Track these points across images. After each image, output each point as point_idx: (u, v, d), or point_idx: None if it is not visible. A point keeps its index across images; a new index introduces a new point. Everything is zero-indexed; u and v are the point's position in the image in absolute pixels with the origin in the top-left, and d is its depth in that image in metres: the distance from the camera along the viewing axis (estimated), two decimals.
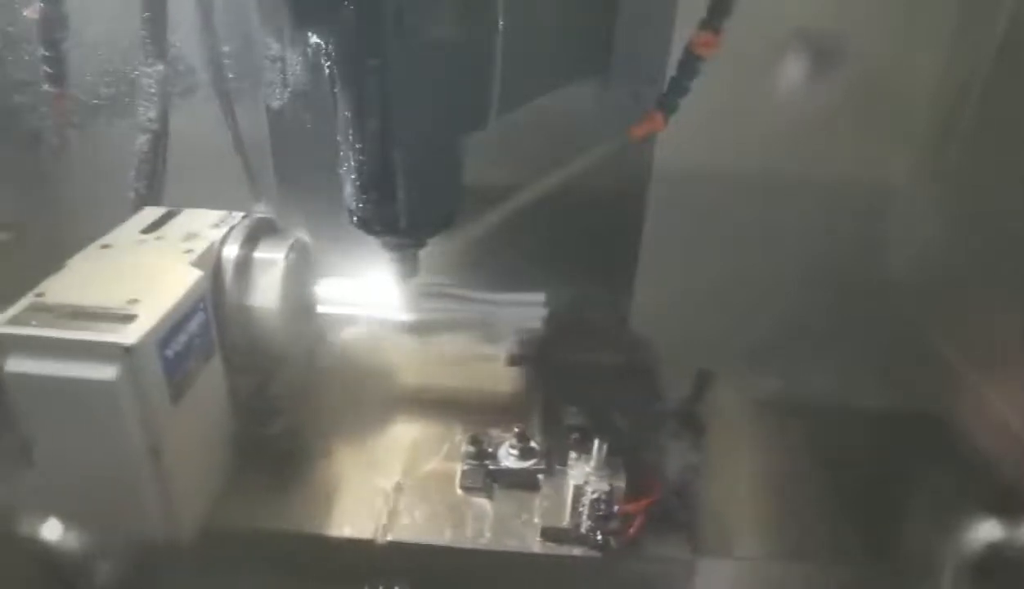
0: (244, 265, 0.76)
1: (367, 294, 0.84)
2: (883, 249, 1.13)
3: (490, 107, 0.69)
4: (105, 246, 0.75)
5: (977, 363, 0.97)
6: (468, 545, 0.73)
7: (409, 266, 0.77)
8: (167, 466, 0.65)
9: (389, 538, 0.73)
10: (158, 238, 0.76)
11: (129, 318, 0.63)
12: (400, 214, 0.69)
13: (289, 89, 0.92)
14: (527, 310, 0.83)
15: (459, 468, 0.80)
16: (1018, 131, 0.93)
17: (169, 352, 0.65)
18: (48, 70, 0.89)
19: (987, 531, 0.76)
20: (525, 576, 0.73)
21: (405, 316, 0.84)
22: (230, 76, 0.98)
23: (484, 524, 0.75)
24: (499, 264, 0.91)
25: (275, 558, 0.74)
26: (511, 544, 0.73)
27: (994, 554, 0.75)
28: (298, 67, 0.91)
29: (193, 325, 0.68)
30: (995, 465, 0.90)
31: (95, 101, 0.99)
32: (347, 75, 0.64)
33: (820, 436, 0.95)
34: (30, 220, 1.05)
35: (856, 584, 0.78)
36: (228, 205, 0.83)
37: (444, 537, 0.73)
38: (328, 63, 0.65)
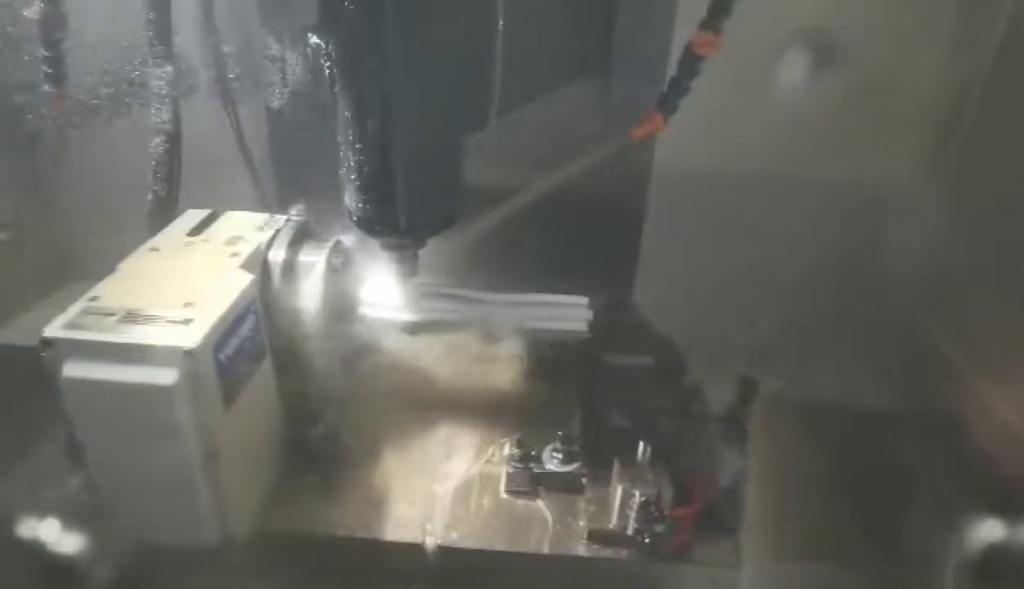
0: (290, 268, 0.76)
1: (407, 299, 0.84)
2: (883, 249, 1.12)
3: (490, 107, 0.69)
4: (154, 249, 0.75)
5: (978, 362, 0.97)
6: (516, 548, 0.73)
7: (409, 266, 0.77)
8: (221, 469, 0.65)
9: (438, 542, 0.73)
10: (204, 241, 0.76)
11: (185, 321, 0.62)
12: (400, 214, 0.69)
13: (289, 89, 0.92)
14: (571, 312, 0.83)
15: (504, 471, 0.79)
16: (1018, 131, 0.93)
17: (223, 355, 0.64)
18: (48, 70, 0.89)
19: (987, 531, 0.76)
20: (572, 579, 0.73)
21: (445, 320, 0.83)
22: (231, 76, 0.98)
23: (531, 527, 0.75)
24: (499, 264, 0.91)
25: (323, 562, 0.74)
26: (558, 547, 0.72)
27: (994, 554, 0.75)
28: (298, 67, 0.91)
29: (245, 328, 0.68)
30: (995, 464, 0.90)
31: (95, 101, 0.99)
32: (347, 75, 0.64)
33: (820, 435, 0.95)
34: (30, 220, 1.05)
35: (849, 583, 0.79)
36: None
37: (492, 541, 0.73)
38: (328, 63, 0.65)
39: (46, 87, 0.91)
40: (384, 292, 0.84)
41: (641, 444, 0.72)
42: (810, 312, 1.07)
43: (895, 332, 1.08)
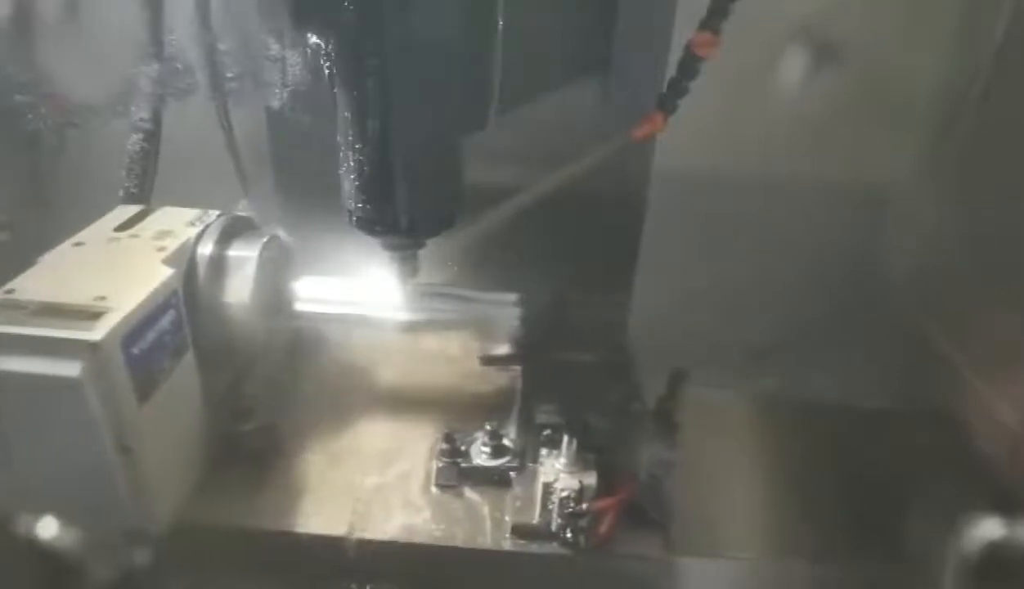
0: (218, 262, 0.77)
1: (347, 292, 0.84)
2: (883, 248, 1.13)
3: (490, 107, 0.69)
4: (78, 244, 0.75)
5: (978, 362, 0.97)
6: (439, 543, 0.73)
7: (409, 266, 0.77)
8: (138, 463, 0.65)
9: (361, 535, 0.73)
10: (132, 236, 0.76)
11: (96, 315, 0.63)
12: (400, 214, 0.69)
13: (288, 89, 0.92)
14: (499, 310, 0.83)
15: (434, 466, 0.80)
16: (1018, 131, 0.93)
17: (136, 349, 0.64)
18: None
19: (987, 530, 0.76)
20: (496, 573, 0.74)
21: (385, 314, 0.83)
22: (228, 75, 0.98)
23: (456, 521, 0.75)
24: (499, 264, 0.91)
25: (247, 555, 0.74)
26: (482, 541, 0.73)
27: (994, 553, 0.75)
28: (298, 67, 0.90)
29: (164, 322, 0.68)
30: (995, 464, 0.90)
31: (93, 101, 0.99)
32: (347, 75, 0.64)
33: (819, 434, 0.95)
34: (30, 220, 1.04)
35: (848, 583, 0.79)
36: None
37: (415, 535, 0.74)
38: (327, 63, 0.65)
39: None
40: (324, 287, 0.84)
41: (565, 438, 0.73)
42: (809, 312, 1.08)
43: (894, 331, 1.08)
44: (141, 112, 0.87)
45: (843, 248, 1.08)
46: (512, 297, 0.83)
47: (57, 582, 0.70)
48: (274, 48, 0.91)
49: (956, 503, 0.80)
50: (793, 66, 1.00)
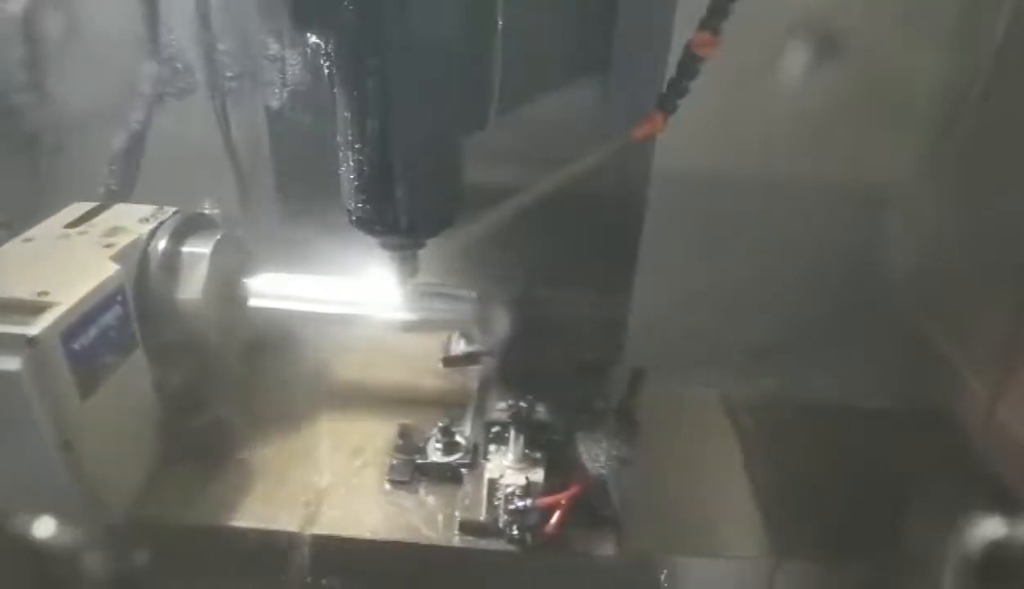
0: (171, 259, 0.77)
1: (306, 289, 0.84)
2: (883, 249, 1.12)
3: (490, 107, 0.69)
4: (27, 240, 0.76)
5: (977, 362, 0.97)
6: (389, 538, 0.74)
7: (409, 266, 0.77)
8: (81, 458, 0.66)
9: (312, 531, 0.74)
10: (81, 233, 0.77)
11: (37, 310, 0.63)
12: (399, 214, 0.69)
13: (288, 89, 0.92)
14: (456, 306, 0.82)
15: (388, 462, 0.81)
16: (1018, 131, 0.93)
17: (77, 344, 0.65)
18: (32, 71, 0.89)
19: (987, 530, 0.76)
20: (446, 570, 0.74)
21: (348, 310, 0.83)
22: (228, 75, 0.98)
23: (407, 517, 0.76)
24: (499, 264, 0.91)
25: (198, 552, 0.74)
26: (431, 537, 0.74)
27: (994, 553, 0.75)
28: (298, 67, 0.90)
29: (108, 318, 0.69)
30: (994, 464, 0.90)
31: (92, 100, 0.99)
32: (346, 75, 0.64)
33: (818, 434, 0.95)
34: (29, 219, 1.04)
35: (848, 584, 0.79)
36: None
37: (367, 530, 0.74)
38: (327, 63, 0.65)
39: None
40: (283, 284, 0.84)
41: (512, 434, 0.73)
42: (809, 312, 1.07)
43: (894, 331, 1.08)
44: (135, 112, 0.87)
45: (843, 248, 1.08)
46: (471, 294, 0.83)
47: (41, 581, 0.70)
48: (274, 48, 0.91)
49: (955, 503, 0.80)
50: (793, 66, 1.00)
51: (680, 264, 1.06)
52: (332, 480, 0.80)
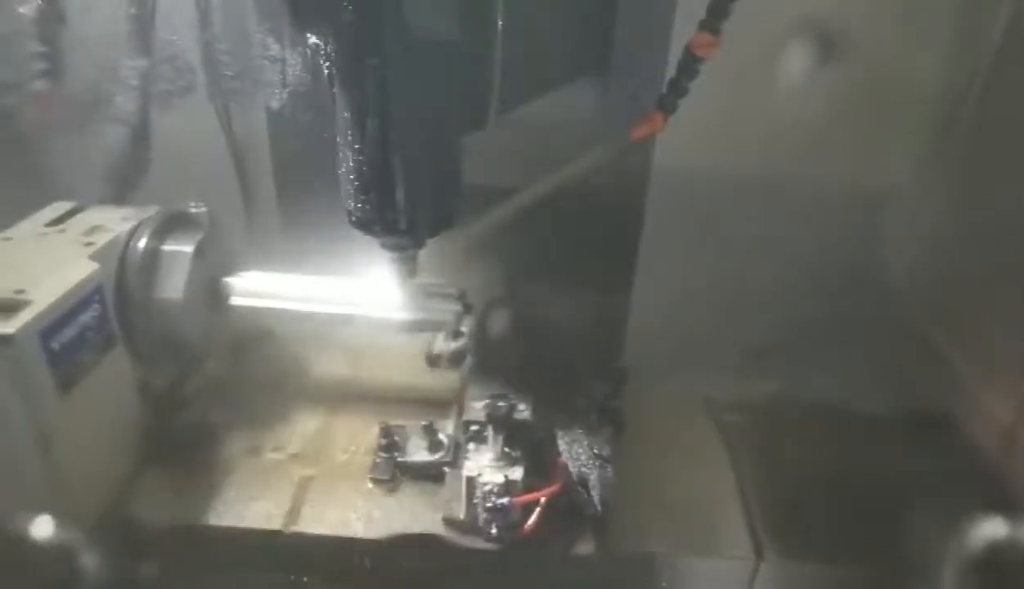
0: (151, 258, 0.77)
1: (288, 287, 0.84)
2: (883, 249, 1.12)
3: (490, 108, 0.69)
4: (6, 239, 0.76)
5: (978, 363, 0.97)
6: (370, 536, 0.74)
7: (408, 267, 0.77)
8: (58, 456, 0.66)
9: (295, 530, 0.74)
10: (60, 231, 0.77)
11: (13, 308, 0.63)
12: (399, 215, 0.68)
13: (288, 89, 0.92)
14: (442, 306, 0.83)
15: (370, 460, 0.81)
16: (1018, 131, 0.93)
17: (55, 343, 0.65)
18: (43, 66, 0.88)
19: (987, 532, 0.76)
20: (427, 568, 0.74)
21: (332, 310, 0.83)
22: (228, 75, 0.97)
23: (388, 516, 0.76)
24: (499, 264, 0.91)
25: (179, 549, 0.74)
26: (412, 536, 0.74)
27: (994, 556, 0.75)
28: (298, 67, 0.90)
29: (86, 317, 0.69)
30: (995, 466, 0.90)
31: (92, 98, 0.99)
32: (346, 75, 0.64)
33: (818, 435, 0.95)
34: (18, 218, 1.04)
35: (849, 585, 0.79)
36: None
37: (347, 528, 0.74)
38: (327, 63, 0.64)
39: (39, 84, 0.90)
40: (268, 282, 0.84)
41: (491, 433, 0.73)
42: (809, 312, 1.07)
43: (894, 332, 1.08)
44: (125, 106, 0.86)
45: (843, 249, 1.08)
46: (454, 291, 0.83)
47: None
48: (274, 48, 0.91)
49: (956, 505, 0.80)
50: (793, 66, 1.00)
51: (680, 264, 1.06)
52: (314, 478, 0.80)
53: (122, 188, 0.90)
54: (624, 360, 0.98)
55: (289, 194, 0.99)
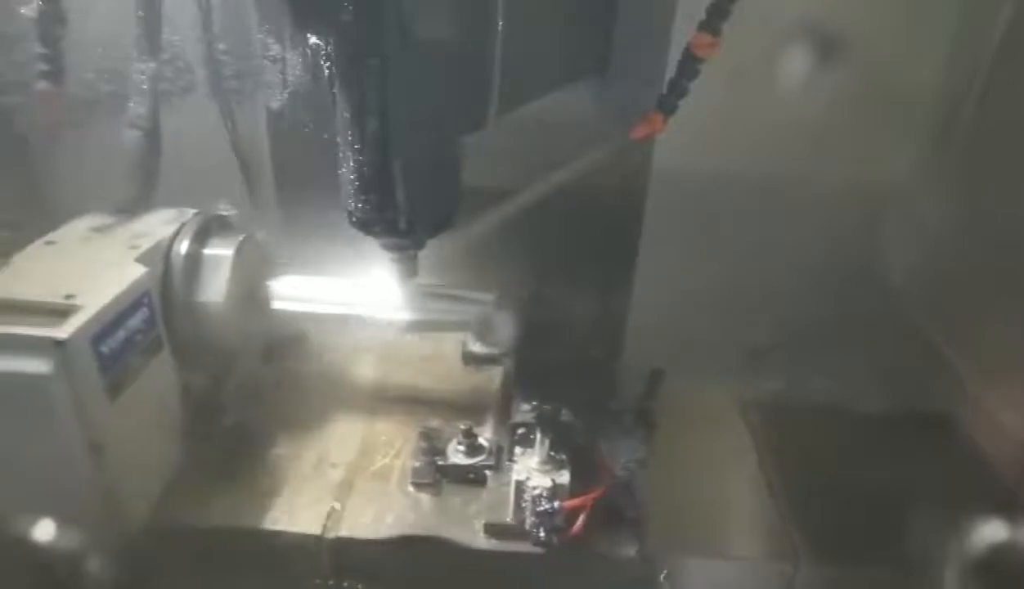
0: (193, 261, 0.77)
1: (328, 291, 0.84)
2: (883, 249, 1.12)
3: (489, 108, 0.69)
4: (49, 243, 0.75)
5: (978, 364, 0.97)
6: (412, 541, 0.74)
7: (408, 267, 0.77)
8: (109, 461, 0.65)
9: (335, 534, 0.74)
10: (105, 236, 0.77)
11: (65, 313, 0.63)
12: (399, 215, 0.69)
13: (289, 90, 0.92)
14: (477, 308, 0.83)
15: (411, 464, 0.81)
16: (1018, 131, 0.93)
17: (105, 347, 0.65)
18: (45, 68, 0.88)
19: (989, 534, 0.76)
20: (471, 572, 0.74)
21: (368, 313, 0.83)
22: (229, 75, 0.97)
23: (431, 520, 0.76)
24: (499, 264, 0.91)
25: (221, 554, 0.74)
26: (455, 540, 0.73)
27: (996, 557, 0.74)
28: (298, 68, 0.90)
29: (135, 321, 0.69)
30: (996, 467, 0.90)
31: (95, 99, 0.99)
32: (346, 76, 0.64)
33: (818, 436, 0.95)
34: (29, 219, 1.04)
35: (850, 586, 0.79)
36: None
37: (389, 533, 0.74)
38: (327, 64, 0.65)
39: (43, 85, 0.90)
40: (305, 286, 0.84)
41: (538, 437, 0.73)
42: (809, 313, 1.07)
43: (895, 333, 1.08)
44: (138, 109, 0.86)
45: (843, 248, 1.08)
46: (489, 296, 0.83)
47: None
48: (274, 48, 0.91)
49: (957, 506, 0.80)
50: (793, 66, 1.00)
51: (680, 264, 1.06)
52: (354, 482, 0.80)
53: (142, 191, 0.90)
54: (624, 360, 0.98)
55: (289, 194, 0.99)
